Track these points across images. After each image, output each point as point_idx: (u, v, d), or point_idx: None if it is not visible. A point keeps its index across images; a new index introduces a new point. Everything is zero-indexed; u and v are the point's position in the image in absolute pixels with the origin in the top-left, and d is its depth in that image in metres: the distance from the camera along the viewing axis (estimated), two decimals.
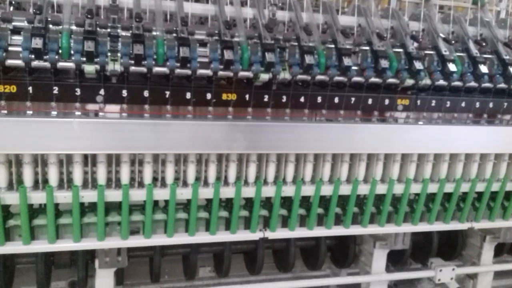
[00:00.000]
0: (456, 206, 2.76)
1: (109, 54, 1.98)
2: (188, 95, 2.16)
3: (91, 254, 2.48)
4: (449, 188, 2.67)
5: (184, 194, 2.28)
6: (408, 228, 2.76)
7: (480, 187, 2.74)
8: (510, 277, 3.65)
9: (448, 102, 2.54)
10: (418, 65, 2.33)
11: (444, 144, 2.53)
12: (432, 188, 2.65)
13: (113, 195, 2.18)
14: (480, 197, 2.79)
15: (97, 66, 1.96)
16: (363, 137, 2.40)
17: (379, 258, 2.96)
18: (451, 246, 3.22)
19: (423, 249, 3.17)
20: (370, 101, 2.42)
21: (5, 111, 1.98)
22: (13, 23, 1.97)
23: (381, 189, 2.56)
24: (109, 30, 2.03)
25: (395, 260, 3.17)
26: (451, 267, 3.08)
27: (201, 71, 2.09)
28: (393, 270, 3.21)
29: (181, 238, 2.40)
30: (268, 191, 2.41)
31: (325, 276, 3.24)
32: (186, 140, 2.15)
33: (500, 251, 3.38)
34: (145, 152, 2.18)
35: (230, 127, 2.19)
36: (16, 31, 1.95)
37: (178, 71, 2.05)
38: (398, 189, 2.59)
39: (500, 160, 2.76)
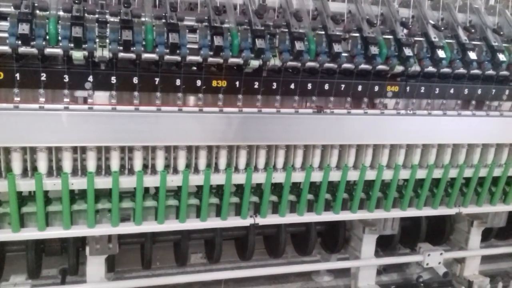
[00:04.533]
0: (444, 191, 2.80)
1: (97, 40, 1.96)
2: (178, 82, 2.14)
3: (81, 241, 2.48)
4: (437, 174, 2.70)
5: (174, 181, 2.28)
6: (397, 213, 2.79)
7: (468, 172, 2.77)
8: (497, 262, 3.71)
9: (437, 89, 2.55)
10: (407, 51, 2.33)
11: (432, 135, 2.56)
12: (421, 174, 2.67)
13: (103, 182, 2.18)
14: (468, 182, 2.82)
15: (85, 52, 1.94)
16: (352, 128, 2.42)
17: (369, 243, 2.99)
18: (439, 231, 3.26)
19: (411, 234, 3.20)
20: (360, 87, 2.42)
21: None
22: None
23: (370, 175, 2.58)
24: (97, 15, 2.01)
25: (384, 245, 3.21)
26: (439, 251, 3.12)
27: (190, 58, 2.08)
28: (382, 255, 3.25)
29: (172, 225, 2.40)
30: (259, 177, 2.42)
31: (316, 262, 3.27)
32: (177, 132, 2.15)
33: (488, 235, 3.43)
34: (135, 144, 2.17)
35: (220, 119, 2.19)
36: (2, 16, 1.93)
37: (167, 57, 2.04)
38: (387, 175, 2.61)
39: (488, 146, 2.79)
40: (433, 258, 3.11)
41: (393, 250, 3.28)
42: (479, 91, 2.63)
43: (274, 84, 2.29)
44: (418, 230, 3.16)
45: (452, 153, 2.72)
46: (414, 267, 3.49)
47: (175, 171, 2.31)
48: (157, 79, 2.12)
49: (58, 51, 1.93)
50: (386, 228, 2.94)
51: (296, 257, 3.26)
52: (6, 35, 1.86)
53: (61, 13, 1.96)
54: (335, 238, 3.04)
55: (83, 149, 2.16)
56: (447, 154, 2.71)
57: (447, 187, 2.82)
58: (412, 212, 2.81)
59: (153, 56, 2.03)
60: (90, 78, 2.04)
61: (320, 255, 3.32)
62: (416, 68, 2.41)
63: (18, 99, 1.98)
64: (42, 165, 2.11)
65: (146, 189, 2.45)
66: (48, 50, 1.92)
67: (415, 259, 3.20)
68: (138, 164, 2.22)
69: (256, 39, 2.11)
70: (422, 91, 2.54)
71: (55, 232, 2.23)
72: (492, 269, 3.64)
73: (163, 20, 2.06)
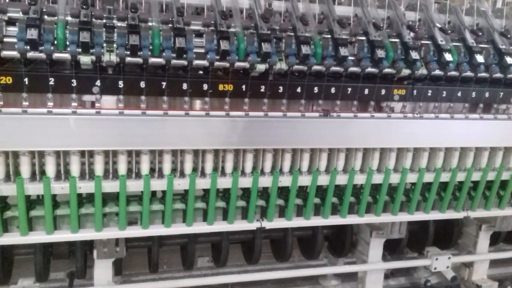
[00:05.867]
0: (452, 195, 2.78)
1: (104, 45, 1.98)
2: (185, 86, 2.15)
3: (89, 245, 2.49)
4: (445, 177, 2.69)
5: (181, 184, 2.29)
6: (405, 217, 2.78)
7: (476, 176, 2.75)
8: (505, 266, 3.67)
9: (444, 92, 2.55)
10: (414, 55, 2.32)
11: (439, 138, 2.55)
12: (428, 177, 2.66)
13: (111, 186, 2.19)
14: (476, 186, 2.80)
15: (93, 57, 1.96)
16: (359, 132, 2.41)
17: (376, 247, 2.98)
18: (447, 235, 3.24)
19: (419, 238, 3.18)
20: (366, 91, 2.42)
21: (1, 103, 1.98)
22: (8, 14, 1.96)
23: (377, 178, 2.57)
24: (104, 20, 2.03)
25: (392, 249, 3.19)
26: (447, 255, 3.10)
27: (197, 62, 2.09)
28: (389, 259, 3.23)
29: (178, 229, 2.41)
30: (265, 181, 2.42)
31: (323, 266, 3.26)
32: (183, 136, 2.16)
33: (496, 239, 3.40)
34: (142, 148, 2.18)
35: (227, 123, 2.20)
36: (11, 22, 1.94)
37: (174, 61, 2.05)
38: (395, 178, 2.60)
39: (496, 149, 2.77)
40: (441, 262, 3.09)
41: (400, 254, 3.26)
42: (487, 94, 2.62)
43: (281, 88, 2.30)
44: (426, 234, 3.13)
45: (459, 156, 2.71)
46: (422, 271, 3.46)
47: (182, 174, 2.32)
48: (164, 83, 2.13)
49: (66, 56, 1.94)
50: (394, 232, 2.92)
51: (303, 261, 3.25)
52: (15, 40, 1.88)
53: (69, 18, 1.97)
54: (342, 242, 3.02)
55: (91, 153, 2.17)
56: (455, 157, 2.70)
57: (455, 190, 2.80)
58: (419, 216, 2.80)
59: (160, 60, 2.04)
60: (98, 83, 2.06)
61: (327, 259, 3.30)
62: (423, 71, 2.40)
63: (27, 103, 2.00)
64: (50, 169, 2.12)
65: (153, 193, 2.46)
66: (56, 55, 1.94)
67: (423, 263, 3.18)
68: (145, 168, 2.23)
69: (262, 43, 2.11)
70: (429, 94, 2.53)
71: (63, 235, 2.25)
72: (500, 273, 3.60)
73: (170, 25, 2.07)
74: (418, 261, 3.21)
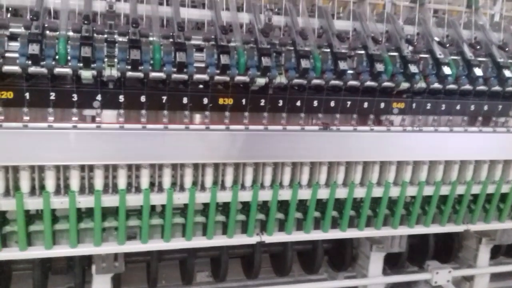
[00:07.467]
0: (452, 208, 2.78)
1: (106, 59, 1.98)
2: (185, 100, 2.16)
3: (88, 260, 2.47)
4: (445, 190, 2.69)
5: (181, 198, 2.28)
6: (405, 230, 2.77)
7: (476, 189, 2.75)
8: (506, 279, 3.65)
9: (443, 105, 2.55)
10: (413, 68, 2.34)
11: (439, 151, 2.55)
12: (428, 190, 2.66)
13: (110, 200, 2.18)
14: (476, 199, 2.80)
15: (94, 72, 1.96)
16: (358, 145, 2.42)
17: (376, 261, 2.96)
18: (447, 249, 3.23)
19: (419, 252, 3.17)
20: (365, 104, 2.43)
21: (2, 117, 1.98)
22: (10, 29, 1.97)
23: (377, 192, 2.57)
24: (106, 35, 2.03)
25: (392, 263, 3.17)
26: (447, 269, 3.09)
27: (197, 76, 2.09)
28: (390, 273, 3.21)
29: (178, 243, 2.40)
30: (265, 195, 2.41)
31: (323, 280, 3.23)
32: (183, 150, 2.16)
33: (496, 253, 3.39)
34: (142, 162, 2.18)
35: (227, 136, 2.20)
36: (13, 37, 1.95)
37: (174, 76, 2.06)
38: (394, 192, 2.60)
39: (495, 162, 2.77)
40: (441, 276, 3.08)
41: (401, 268, 3.24)
42: (486, 107, 2.63)
43: (280, 101, 2.30)
44: (426, 248, 3.12)
45: (459, 169, 2.71)
46: (423, 285, 3.42)
47: (182, 188, 2.31)
48: (164, 98, 2.13)
49: (67, 70, 1.95)
50: (394, 246, 2.91)
51: (303, 275, 3.22)
52: (16, 55, 1.88)
53: (70, 33, 1.98)
54: (342, 256, 3.01)
55: (91, 167, 2.16)
56: (454, 170, 2.70)
57: (454, 204, 2.80)
58: (419, 229, 2.79)
59: (161, 75, 2.04)
60: (99, 97, 2.06)
61: (327, 273, 3.28)
62: (422, 84, 2.41)
63: (27, 118, 2.00)
64: (50, 183, 2.11)
65: (153, 207, 2.44)
66: (57, 70, 1.94)
67: (423, 277, 3.16)
68: (145, 182, 2.23)
69: (262, 57, 2.12)
70: (428, 107, 2.54)
71: (61, 250, 2.23)
72: (501, 287, 3.58)
73: (171, 40, 2.08)
74: (419, 275, 3.19)
